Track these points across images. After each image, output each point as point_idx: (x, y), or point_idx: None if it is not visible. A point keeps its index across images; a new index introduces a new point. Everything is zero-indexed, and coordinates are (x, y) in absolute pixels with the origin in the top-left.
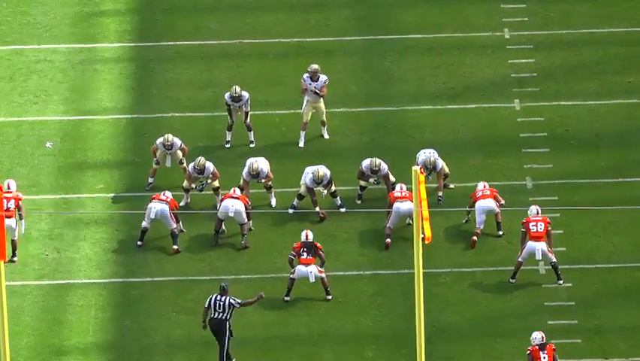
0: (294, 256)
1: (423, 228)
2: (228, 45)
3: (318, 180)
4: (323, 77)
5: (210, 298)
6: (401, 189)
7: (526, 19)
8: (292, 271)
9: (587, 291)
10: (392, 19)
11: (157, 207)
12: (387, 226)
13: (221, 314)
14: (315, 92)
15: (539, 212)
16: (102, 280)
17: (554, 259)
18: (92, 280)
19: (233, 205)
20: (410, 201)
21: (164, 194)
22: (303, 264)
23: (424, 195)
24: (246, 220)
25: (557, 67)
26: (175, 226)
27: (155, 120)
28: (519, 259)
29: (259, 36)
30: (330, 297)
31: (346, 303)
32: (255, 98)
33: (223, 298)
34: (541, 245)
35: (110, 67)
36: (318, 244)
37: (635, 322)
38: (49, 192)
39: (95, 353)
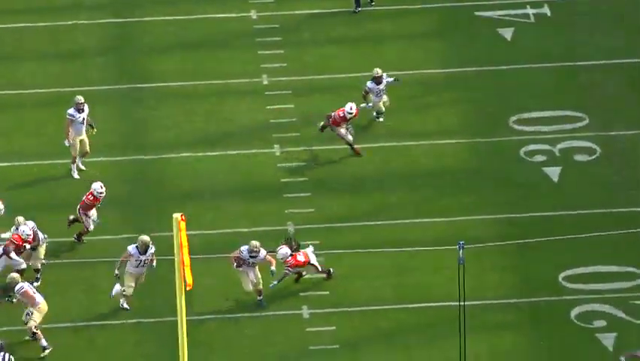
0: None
1: (184, 275)
2: None
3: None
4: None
5: None
6: None
7: (285, 64)
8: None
9: (350, 334)
10: (148, 67)
11: None
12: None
13: None
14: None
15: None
16: None
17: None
18: None
19: None
20: None
21: None
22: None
23: (185, 242)
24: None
25: (316, 112)
26: None
27: None
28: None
29: (16, 87)
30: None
31: (110, 354)
32: (12, 150)
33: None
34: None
35: None
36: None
37: None
38: None
39: None
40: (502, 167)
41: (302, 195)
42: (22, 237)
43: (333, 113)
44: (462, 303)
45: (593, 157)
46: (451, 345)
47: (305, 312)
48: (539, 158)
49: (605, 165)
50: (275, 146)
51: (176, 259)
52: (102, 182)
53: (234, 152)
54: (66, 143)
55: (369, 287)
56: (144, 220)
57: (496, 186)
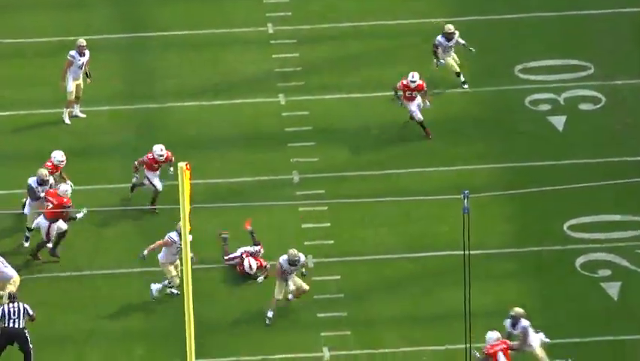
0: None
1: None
2: None
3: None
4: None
5: (2, 308)
6: None
7: (290, 13)
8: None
9: (355, 283)
10: (153, 16)
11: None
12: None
13: (17, 322)
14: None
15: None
16: None
17: None
18: None
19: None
20: None
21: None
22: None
23: (188, 190)
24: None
25: (321, 61)
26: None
27: None
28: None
29: (18, 35)
30: None
31: (114, 301)
32: (16, 98)
33: (16, 305)
34: None
35: None
36: None
37: (404, 312)
38: None
39: None
40: (507, 116)
41: (307, 144)
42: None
43: (398, 84)
44: (467, 252)
45: (598, 106)
46: (456, 294)
47: (310, 261)
48: (544, 107)
49: (609, 115)
50: (279, 95)
51: (181, 208)
52: (107, 130)
53: (239, 101)
54: (65, 86)
55: (374, 236)
56: None
57: (500, 135)
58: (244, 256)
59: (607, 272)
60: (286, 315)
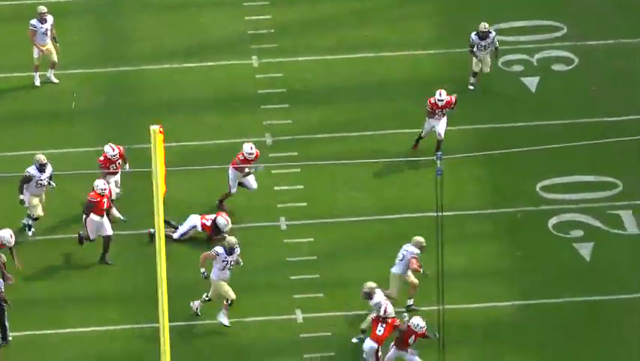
0: None
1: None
2: None
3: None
4: None
5: None
6: None
7: None
8: None
9: (328, 245)
10: None
11: None
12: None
13: None
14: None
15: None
16: None
17: None
18: None
19: None
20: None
21: None
22: None
23: (162, 153)
24: None
25: (294, 22)
26: None
27: None
28: None
29: None
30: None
31: (88, 265)
32: None
33: None
34: None
35: None
36: None
37: (377, 274)
38: None
39: None
40: (479, 77)
41: (279, 106)
42: (98, 192)
43: (427, 105)
44: (440, 214)
45: (571, 67)
46: (429, 256)
47: (283, 224)
48: (517, 68)
49: (582, 75)
50: (252, 57)
51: (154, 171)
52: (79, 93)
53: (212, 63)
54: (35, 52)
55: (347, 198)
56: (122, 132)
57: (473, 96)
58: (204, 220)
59: (579, 233)
60: (259, 278)
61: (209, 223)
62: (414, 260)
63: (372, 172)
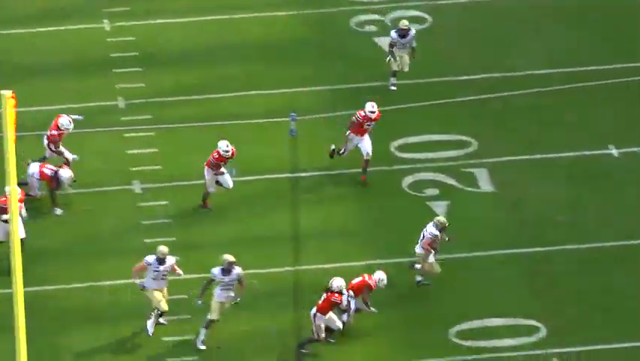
0: None
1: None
2: None
3: None
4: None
5: None
6: None
7: None
8: None
9: (183, 208)
10: None
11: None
12: None
13: None
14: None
15: None
16: None
17: None
18: None
19: None
20: None
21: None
22: None
23: (13, 119)
24: None
25: None
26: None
27: None
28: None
29: None
30: None
31: None
32: None
33: None
34: None
35: None
36: None
37: (233, 236)
38: None
39: None
40: (333, 38)
41: (132, 69)
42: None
43: (356, 117)
44: (294, 175)
45: (424, 26)
46: (284, 217)
47: (137, 187)
48: (370, 28)
49: (436, 34)
50: (104, 21)
51: (5, 136)
52: None
53: (64, 27)
54: None
55: (201, 161)
56: None
57: (327, 57)
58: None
59: (435, 191)
60: (113, 241)
61: (49, 173)
62: (426, 242)
63: (227, 134)
